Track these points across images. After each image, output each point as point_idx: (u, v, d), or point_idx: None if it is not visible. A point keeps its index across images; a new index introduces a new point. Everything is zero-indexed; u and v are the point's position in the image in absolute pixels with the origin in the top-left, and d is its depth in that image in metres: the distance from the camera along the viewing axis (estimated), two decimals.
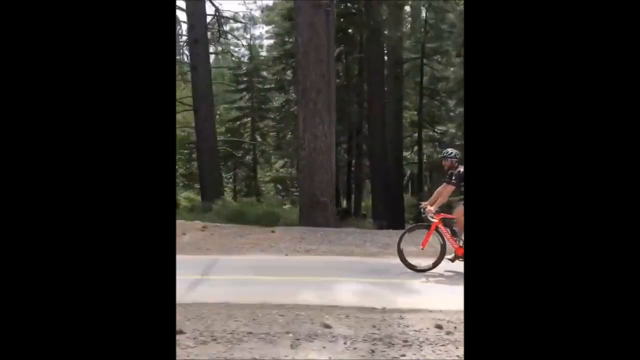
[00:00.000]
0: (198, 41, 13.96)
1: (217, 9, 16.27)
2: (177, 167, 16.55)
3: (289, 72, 18.06)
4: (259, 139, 20.49)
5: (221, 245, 7.34)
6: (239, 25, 19.43)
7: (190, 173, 18.04)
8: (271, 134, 20.99)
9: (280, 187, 20.64)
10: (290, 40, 16.60)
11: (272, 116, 20.18)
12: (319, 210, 9.56)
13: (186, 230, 8.23)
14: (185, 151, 18.57)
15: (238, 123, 20.32)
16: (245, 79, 20.04)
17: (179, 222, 8.67)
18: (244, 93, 20.19)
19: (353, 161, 16.65)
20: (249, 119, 20.11)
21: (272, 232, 8.47)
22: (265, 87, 19.86)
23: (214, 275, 5.50)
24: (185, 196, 18.76)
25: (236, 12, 19.37)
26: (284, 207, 12.52)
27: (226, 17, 17.64)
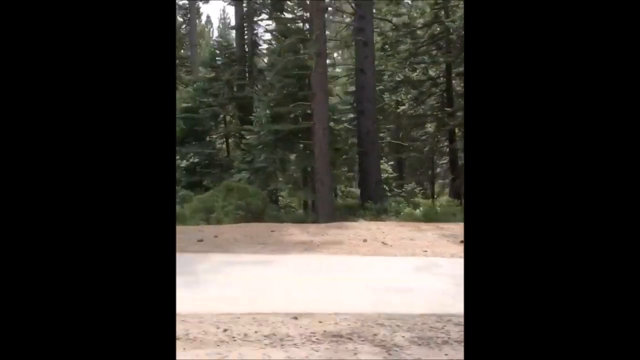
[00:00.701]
0: (367, 44, 14.19)
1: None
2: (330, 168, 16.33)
3: (406, 71, 18.09)
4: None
5: None
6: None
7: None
8: (380, 134, 20.99)
9: (388, 188, 20.63)
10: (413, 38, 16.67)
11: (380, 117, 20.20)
12: None
13: None
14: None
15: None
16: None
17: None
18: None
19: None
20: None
21: None
22: (380, 87, 19.91)
23: None
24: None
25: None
26: (458, 207, 12.48)
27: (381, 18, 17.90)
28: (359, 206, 13.77)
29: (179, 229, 9.10)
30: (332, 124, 14.83)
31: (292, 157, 14.27)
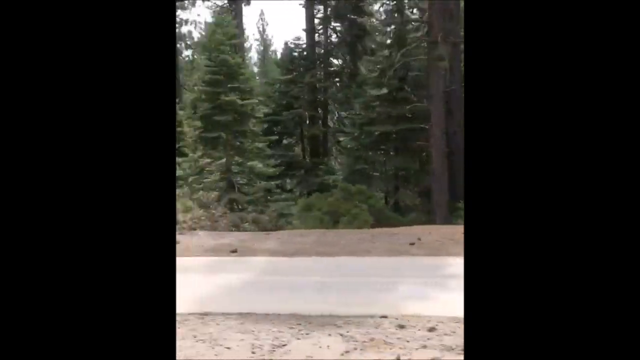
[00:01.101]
0: (457, 45, 14.35)
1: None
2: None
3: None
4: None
5: None
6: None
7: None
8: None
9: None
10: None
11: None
12: None
13: None
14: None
15: None
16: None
17: None
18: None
19: None
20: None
21: None
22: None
23: None
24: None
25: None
26: None
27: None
28: (452, 206, 13.54)
29: (378, 231, 8.88)
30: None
31: (385, 159, 14.28)
